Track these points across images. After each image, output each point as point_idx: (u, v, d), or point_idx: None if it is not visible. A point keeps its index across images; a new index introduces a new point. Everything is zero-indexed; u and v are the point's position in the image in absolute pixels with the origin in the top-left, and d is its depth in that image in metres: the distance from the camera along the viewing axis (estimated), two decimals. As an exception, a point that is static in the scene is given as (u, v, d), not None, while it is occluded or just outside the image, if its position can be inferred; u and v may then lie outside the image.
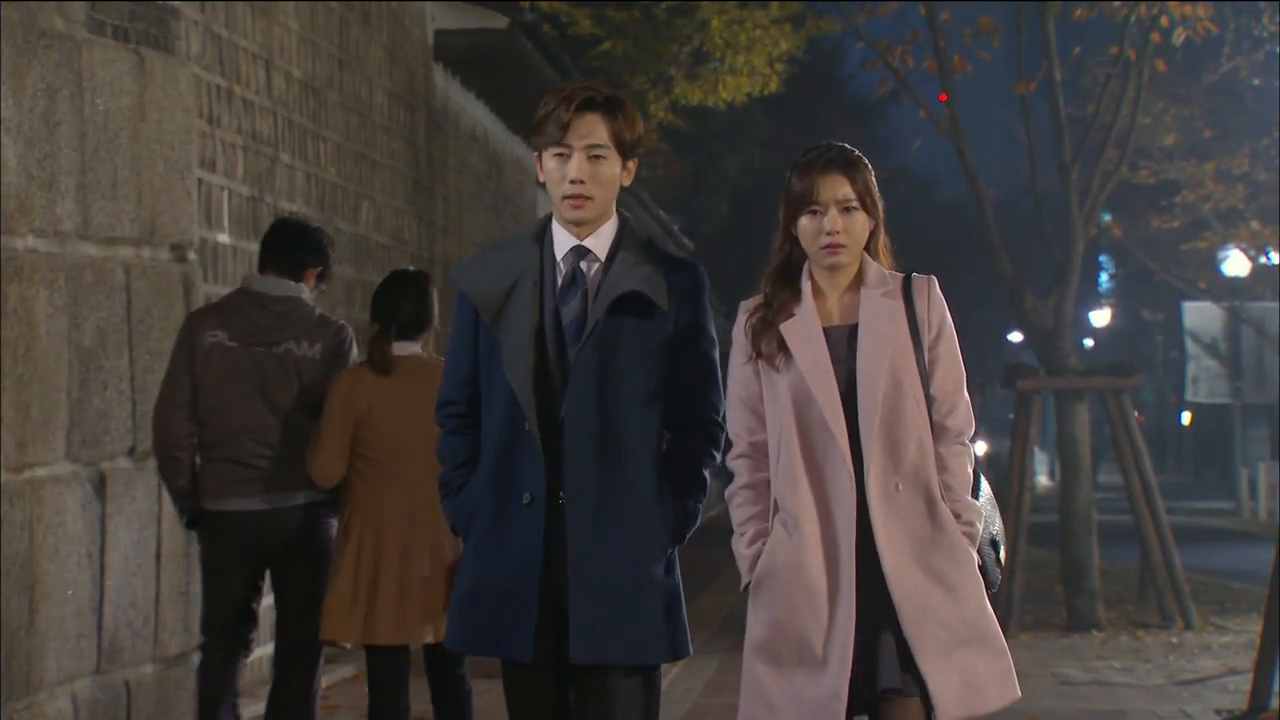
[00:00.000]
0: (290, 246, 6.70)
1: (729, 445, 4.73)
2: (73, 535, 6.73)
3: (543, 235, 4.61)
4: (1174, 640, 13.16)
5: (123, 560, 7.08)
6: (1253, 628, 12.47)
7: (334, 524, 6.62)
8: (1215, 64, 21.26)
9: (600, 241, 4.56)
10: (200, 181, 8.84)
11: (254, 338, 6.52)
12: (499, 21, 14.53)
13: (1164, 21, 14.57)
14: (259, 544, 6.54)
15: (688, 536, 4.58)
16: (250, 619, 6.65)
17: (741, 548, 4.71)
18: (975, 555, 4.65)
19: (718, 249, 32.43)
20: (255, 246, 9.75)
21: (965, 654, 4.56)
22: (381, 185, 12.68)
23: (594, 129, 4.49)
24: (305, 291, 6.67)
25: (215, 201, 9.31)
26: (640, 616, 4.47)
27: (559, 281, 4.55)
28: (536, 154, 4.58)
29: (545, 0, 19.77)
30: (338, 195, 11.57)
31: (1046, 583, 16.91)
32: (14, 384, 6.37)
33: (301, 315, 6.59)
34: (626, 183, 4.60)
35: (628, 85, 21.36)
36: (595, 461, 4.45)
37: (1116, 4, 14.66)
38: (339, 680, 9.80)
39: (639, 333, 4.50)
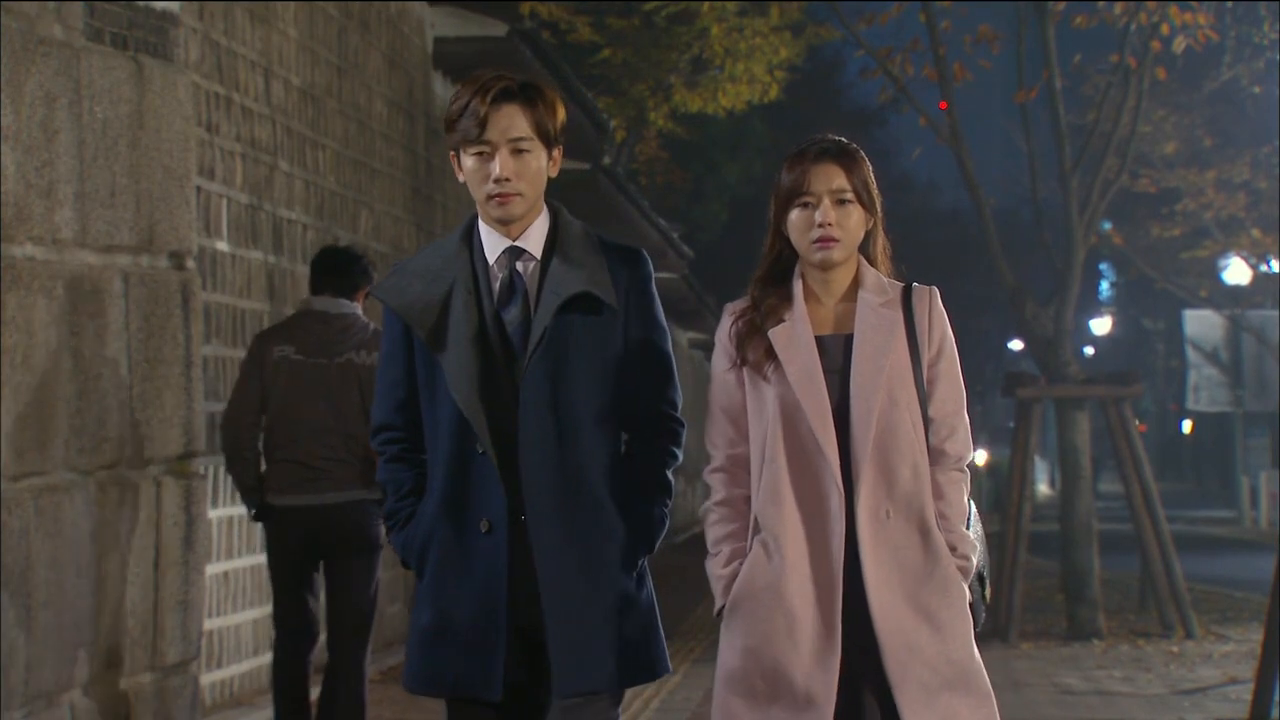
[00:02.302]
0: (344, 270, 7.45)
1: (706, 458, 4.41)
2: (71, 544, 6.71)
3: (470, 238, 4.28)
4: (1175, 649, 13.14)
5: (121, 569, 7.06)
6: (1254, 637, 12.45)
7: (381, 519, 7.24)
8: (1216, 72, 21.27)
9: (534, 239, 4.23)
10: (199, 189, 8.83)
11: (318, 350, 7.27)
12: (498, 29, 14.51)
13: (1164, 29, 14.57)
14: (317, 534, 7.26)
15: (658, 544, 4.28)
16: (313, 609, 7.44)
17: (716, 569, 4.36)
18: (967, 591, 4.31)
19: (717, 256, 32.41)
20: (254, 254, 9.77)
21: (949, 699, 4.21)
22: (380, 193, 12.67)
23: (514, 121, 4.16)
24: (359, 309, 7.40)
25: (214, 209, 9.30)
26: (620, 640, 4.18)
27: (495, 287, 4.22)
28: (453, 153, 4.24)
29: (545, 4, 19.77)
30: (336, 203, 11.56)
31: (1047, 592, 16.91)
32: (12, 392, 6.36)
33: (359, 328, 7.34)
34: (554, 174, 4.27)
35: (627, 93, 21.38)
36: (556, 478, 4.14)
37: (1117, 12, 14.66)
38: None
39: (589, 333, 4.18)
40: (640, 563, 4.25)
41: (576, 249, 4.22)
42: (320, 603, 7.52)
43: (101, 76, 7.00)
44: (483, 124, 4.13)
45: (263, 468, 7.42)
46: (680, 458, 4.33)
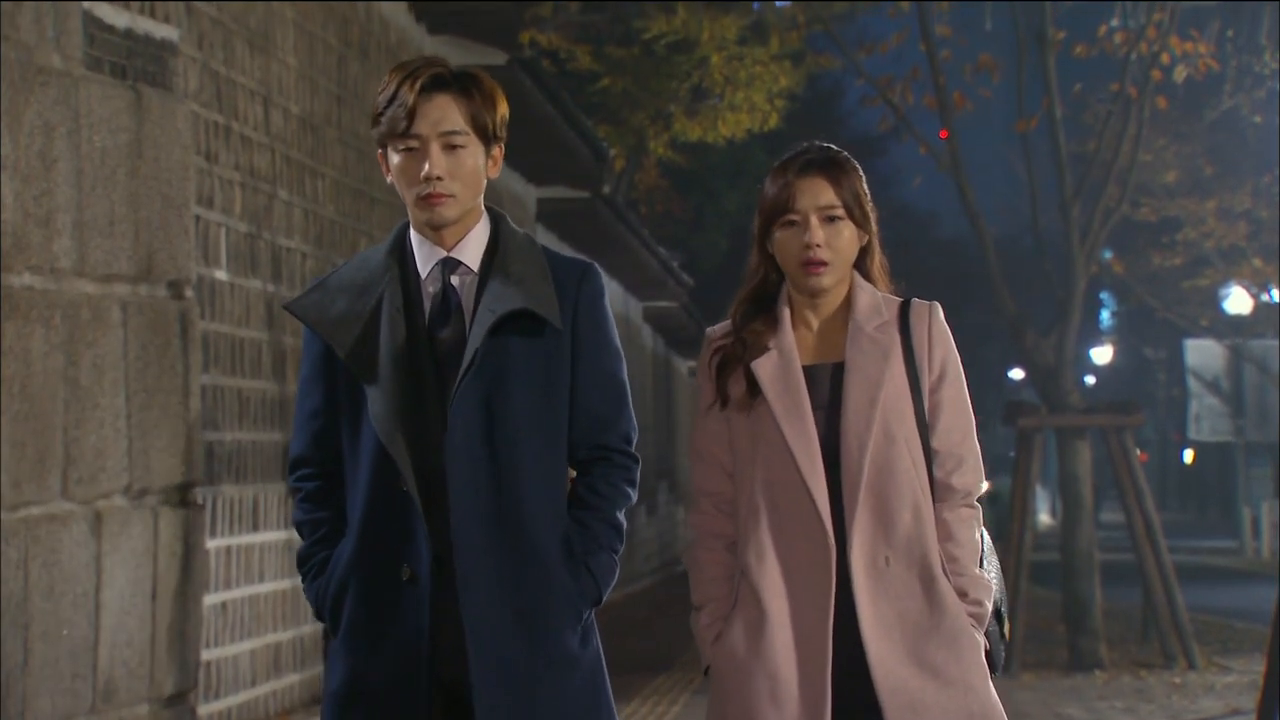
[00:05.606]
0: None
1: (689, 502, 4.05)
2: (68, 574, 6.68)
3: (401, 248, 3.80)
4: (1177, 680, 13.11)
5: (118, 599, 7.03)
6: (1256, 667, 12.41)
7: None
8: (1216, 101, 21.26)
9: (471, 249, 3.75)
10: (198, 218, 8.81)
11: None
12: (498, 58, 14.52)
13: (1165, 59, 14.59)
14: None
15: (606, 596, 3.77)
16: None
17: (698, 626, 3.97)
18: (982, 640, 3.89)
19: (717, 285, 32.40)
20: (253, 283, 9.75)
21: None
22: (379, 221, 12.66)
23: (447, 113, 3.70)
24: None
25: (213, 238, 9.28)
26: (558, 701, 3.67)
27: (427, 303, 3.75)
28: (380, 150, 3.76)
29: (545, 35, 19.79)
30: (336, 231, 11.55)
31: (1048, 622, 16.85)
32: (10, 422, 6.33)
33: None
34: (494, 174, 3.81)
35: (627, 121, 21.39)
36: (490, 520, 3.64)
37: (1117, 41, 14.67)
38: None
39: (529, 356, 3.69)
40: (586, 617, 3.76)
41: (518, 262, 3.74)
42: None
43: (100, 105, 6.99)
44: (411, 115, 3.69)
45: None
46: (634, 498, 3.84)
